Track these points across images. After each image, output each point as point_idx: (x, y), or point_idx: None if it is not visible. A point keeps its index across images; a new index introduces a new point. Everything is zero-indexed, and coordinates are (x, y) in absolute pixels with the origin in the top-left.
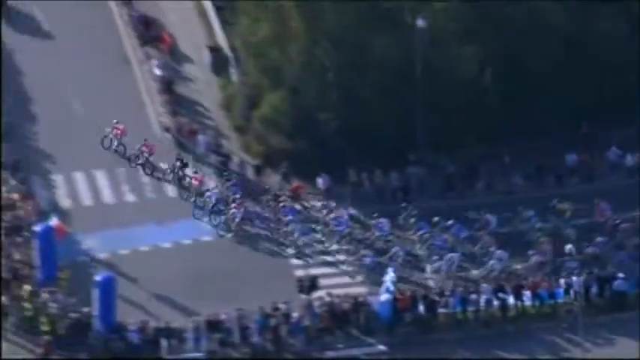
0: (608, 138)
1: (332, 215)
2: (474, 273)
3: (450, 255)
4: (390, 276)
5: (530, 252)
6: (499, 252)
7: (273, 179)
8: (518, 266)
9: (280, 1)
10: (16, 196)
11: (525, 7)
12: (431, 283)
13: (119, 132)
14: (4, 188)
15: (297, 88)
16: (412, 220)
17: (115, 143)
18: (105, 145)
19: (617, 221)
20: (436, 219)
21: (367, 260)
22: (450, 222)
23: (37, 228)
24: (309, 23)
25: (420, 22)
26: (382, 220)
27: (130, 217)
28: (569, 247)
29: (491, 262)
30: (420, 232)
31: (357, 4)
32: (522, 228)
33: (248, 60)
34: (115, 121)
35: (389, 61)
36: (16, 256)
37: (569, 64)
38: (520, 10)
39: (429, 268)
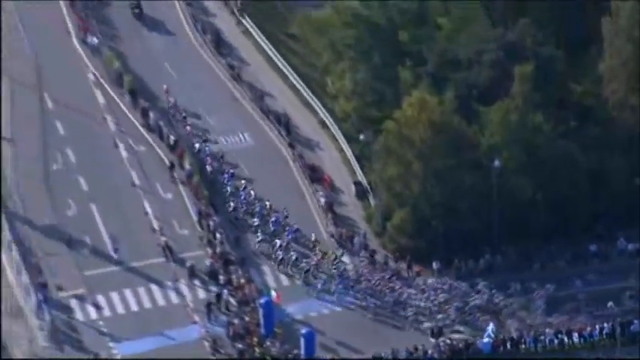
0: (616, 233)
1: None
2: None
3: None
4: (490, 327)
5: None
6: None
7: (401, 266)
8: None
9: (403, 153)
10: (242, 280)
11: (560, 149)
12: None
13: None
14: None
15: (416, 207)
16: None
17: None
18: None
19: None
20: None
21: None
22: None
23: (261, 300)
24: (424, 165)
25: (497, 163)
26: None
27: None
28: (610, 303)
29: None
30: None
31: (455, 153)
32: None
33: (381, 190)
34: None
35: (476, 187)
36: (247, 318)
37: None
38: (556, 151)
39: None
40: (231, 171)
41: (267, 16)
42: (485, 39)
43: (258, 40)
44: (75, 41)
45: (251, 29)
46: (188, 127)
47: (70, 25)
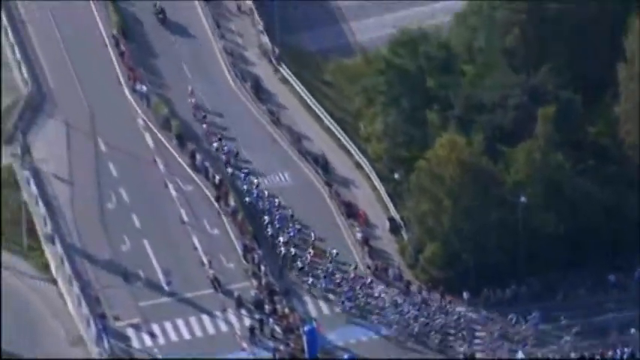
0: (634, 264)
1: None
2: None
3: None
4: (520, 354)
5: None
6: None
7: (434, 296)
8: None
9: (434, 191)
10: (287, 310)
11: (580, 186)
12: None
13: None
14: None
15: (446, 240)
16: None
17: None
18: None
19: None
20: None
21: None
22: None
23: (306, 328)
24: (453, 202)
25: (522, 199)
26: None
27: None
28: (632, 330)
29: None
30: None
31: (483, 190)
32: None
33: (414, 225)
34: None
35: (502, 222)
36: (292, 345)
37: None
38: (576, 187)
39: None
40: (276, 200)
41: (303, 64)
42: (509, 84)
43: (295, 86)
44: (125, 89)
45: (288, 76)
46: (204, 126)
47: (120, 74)
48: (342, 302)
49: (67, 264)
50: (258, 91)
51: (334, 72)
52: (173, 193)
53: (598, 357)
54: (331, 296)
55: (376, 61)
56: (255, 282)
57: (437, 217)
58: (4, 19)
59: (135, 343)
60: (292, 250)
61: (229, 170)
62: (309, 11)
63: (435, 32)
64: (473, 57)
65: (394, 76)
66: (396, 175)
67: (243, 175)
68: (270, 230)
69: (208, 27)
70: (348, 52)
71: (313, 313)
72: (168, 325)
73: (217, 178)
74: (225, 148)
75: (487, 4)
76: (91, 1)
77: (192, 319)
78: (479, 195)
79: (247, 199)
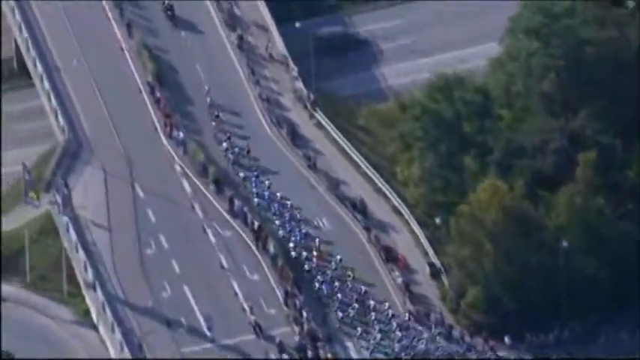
0: None
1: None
2: None
3: None
4: None
5: None
6: None
7: (477, 341)
8: None
9: (476, 235)
10: (329, 356)
11: (620, 230)
12: None
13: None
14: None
15: (488, 285)
16: None
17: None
18: None
19: None
20: None
21: None
22: None
23: None
24: (495, 246)
25: (564, 243)
26: None
27: None
28: None
29: None
30: None
31: (524, 234)
32: None
33: (455, 270)
34: None
35: (543, 265)
36: None
37: None
38: (616, 231)
39: None
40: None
41: (337, 109)
42: (548, 129)
43: (330, 132)
44: (162, 136)
45: (323, 122)
46: (213, 123)
47: (156, 121)
48: (385, 348)
49: (108, 310)
50: (294, 136)
51: (368, 117)
52: (212, 238)
53: None
54: (373, 342)
55: (412, 106)
56: (297, 328)
57: (478, 262)
58: (39, 66)
59: None
60: (336, 298)
61: (267, 216)
62: (342, 57)
63: (470, 77)
64: (510, 102)
65: (431, 122)
66: (437, 220)
67: (281, 220)
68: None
69: (243, 74)
70: (381, 97)
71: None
72: None
73: (256, 223)
74: (265, 194)
75: (524, 50)
76: (125, 50)
77: None
78: (520, 239)
79: (292, 252)
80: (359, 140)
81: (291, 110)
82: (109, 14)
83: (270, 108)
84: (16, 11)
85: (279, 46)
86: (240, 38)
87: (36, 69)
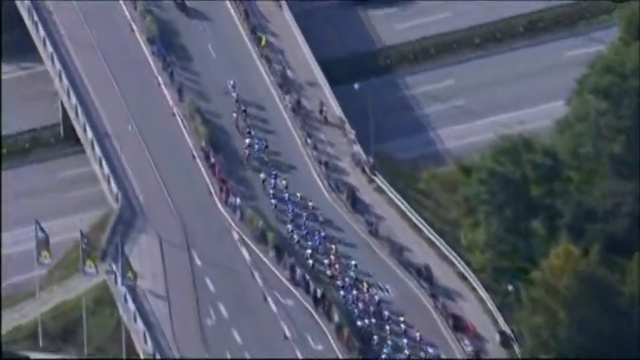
0: None
1: None
2: None
3: None
4: None
5: None
6: None
7: None
8: None
9: (549, 302)
10: None
11: None
12: None
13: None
14: None
15: (561, 353)
16: None
17: None
18: None
19: None
20: None
21: None
22: None
23: None
24: (569, 313)
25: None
26: None
27: None
28: None
29: None
30: None
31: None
32: None
33: (527, 337)
34: None
35: (618, 332)
36: None
37: None
38: None
39: None
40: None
41: (396, 173)
42: (619, 192)
43: (391, 196)
44: (217, 201)
45: (383, 186)
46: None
47: (211, 186)
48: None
49: None
50: (354, 201)
51: (429, 181)
52: (273, 307)
53: None
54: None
55: (478, 169)
56: None
57: (551, 329)
58: (89, 133)
59: None
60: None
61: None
62: (397, 119)
63: (536, 139)
64: (579, 164)
65: (497, 185)
66: (510, 287)
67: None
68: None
69: (298, 137)
70: (438, 160)
71: None
72: None
73: (319, 291)
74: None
75: (593, 111)
76: (177, 115)
77: None
78: (594, 306)
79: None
80: (420, 204)
81: (349, 174)
82: (159, 78)
83: (328, 172)
84: (64, 76)
85: (335, 108)
86: (295, 101)
87: (86, 135)
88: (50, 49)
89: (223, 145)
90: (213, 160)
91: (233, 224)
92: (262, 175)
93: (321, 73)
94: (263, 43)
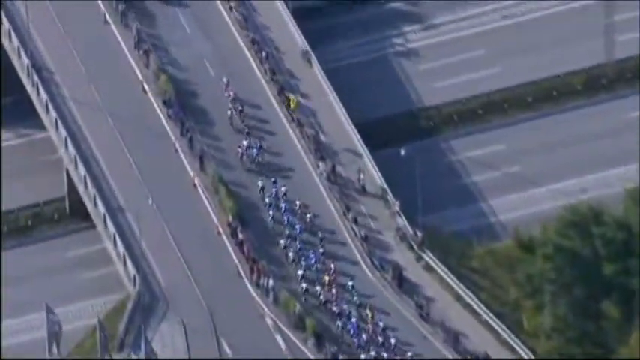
0: None
1: None
2: None
3: None
4: None
5: None
6: None
7: None
8: None
9: None
10: None
11: None
12: None
13: None
14: None
15: None
16: None
17: None
18: None
19: None
20: None
21: None
22: None
23: None
24: None
25: None
26: None
27: None
28: None
29: None
30: None
31: None
32: None
33: None
34: None
35: None
36: None
37: None
38: None
39: None
40: None
41: (445, 248)
42: None
43: (443, 275)
44: (247, 284)
45: (433, 264)
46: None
47: (239, 266)
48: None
49: None
50: (401, 281)
51: (483, 257)
52: None
53: None
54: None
55: (542, 244)
56: None
57: None
58: (101, 207)
59: None
60: None
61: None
62: (443, 188)
63: (607, 210)
64: None
65: (564, 262)
66: None
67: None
68: None
69: (335, 209)
70: (493, 234)
71: None
72: None
73: None
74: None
75: None
76: (199, 186)
77: None
78: None
79: None
80: (475, 284)
81: (394, 250)
82: (177, 145)
83: (371, 249)
84: (70, 143)
85: (375, 176)
86: (330, 169)
87: (97, 209)
88: (53, 113)
89: (251, 219)
90: (241, 236)
91: (266, 309)
92: (290, 254)
93: (358, 137)
94: (293, 105)
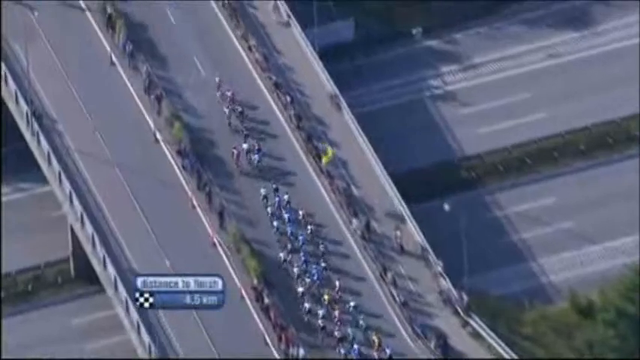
0: None
1: None
2: None
3: None
4: None
5: None
6: None
7: None
8: None
9: None
10: None
11: None
12: None
13: None
14: None
15: None
16: None
17: None
18: None
19: None
20: None
21: None
22: None
23: None
24: None
25: None
26: None
27: None
28: None
29: None
30: None
31: None
32: None
33: None
34: None
35: None
36: None
37: None
38: None
39: None
40: None
41: (495, 314)
42: None
43: (491, 342)
44: (275, 353)
45: (481, 330)
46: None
47: (266, 335)
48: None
49: None
50: (446, 350)
51: (536, 323)
52: None
53: None
54: None
55: (603, 308)
56: None
57: None
58: (111, 269)
59: None
60: None
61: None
62: (489, 246)
63: None
64: None
65: (628, 328)
66: None
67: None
68: None
69: (370, 271)
70: (545, 297)
71: None
72: None
73: None
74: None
75: None
76: (218, 244)
77: None
78: None
79: None
80: (528, 352)
81: (438, 316)
82: (194, 200)
83: (411, 315)
84: (75, 199)
85: (414, 233)
86: (364, 226)
87: (106, 272)
88: (56, 165)
89: (279, 282)
90: (267, 301)
91: None
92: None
93: (394, 190)
94: (327, 158)
